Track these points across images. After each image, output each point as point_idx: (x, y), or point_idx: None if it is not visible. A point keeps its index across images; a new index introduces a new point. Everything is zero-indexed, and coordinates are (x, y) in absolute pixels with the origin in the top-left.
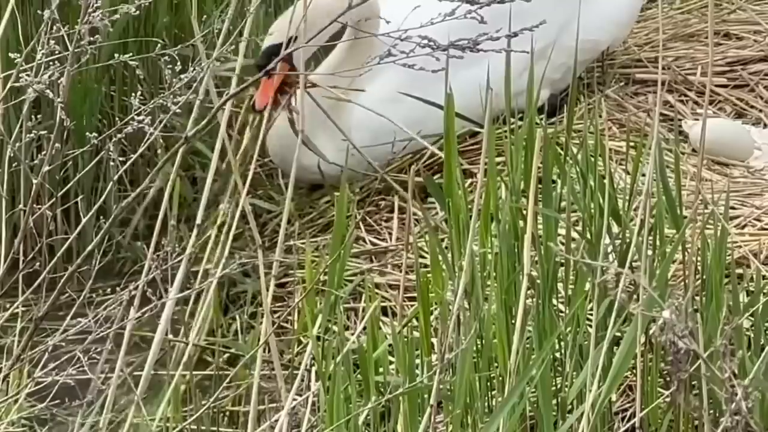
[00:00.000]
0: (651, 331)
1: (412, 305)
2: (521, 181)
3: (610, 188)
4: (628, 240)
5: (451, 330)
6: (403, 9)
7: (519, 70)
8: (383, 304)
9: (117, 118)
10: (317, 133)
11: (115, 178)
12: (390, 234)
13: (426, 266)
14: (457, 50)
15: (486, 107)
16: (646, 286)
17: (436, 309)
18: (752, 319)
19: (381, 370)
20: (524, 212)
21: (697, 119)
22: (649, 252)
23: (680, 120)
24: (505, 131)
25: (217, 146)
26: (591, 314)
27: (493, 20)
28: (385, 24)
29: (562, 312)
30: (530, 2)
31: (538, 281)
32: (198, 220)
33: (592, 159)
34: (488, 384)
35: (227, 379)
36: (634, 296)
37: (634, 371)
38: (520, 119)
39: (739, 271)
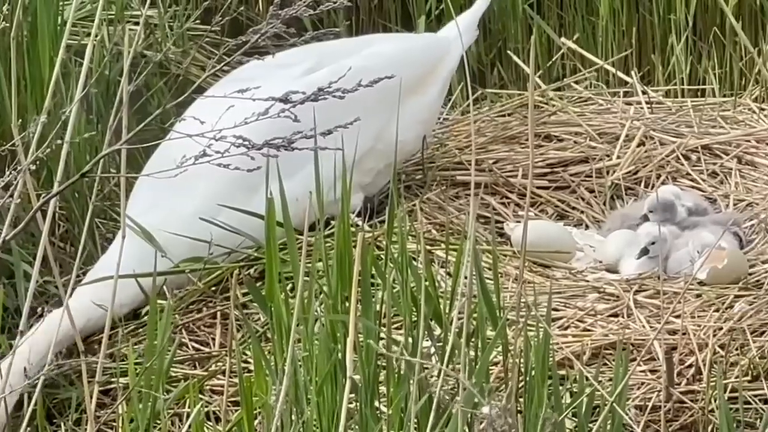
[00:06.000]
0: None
1: (236, 410)
2: (338, 284)
3: (431, 291)
4: (450, 342)
5: None
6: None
7: (332, 180)
8: (207, 408)
9: None
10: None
11: None
12: (213, 339)
13: (250, 371)
14: (273, 149)
15: (305, 214)
16: (463, 381)
17: (260, 413)
18: (575, 419)
19: None
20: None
21: (519, 221)
22: (472, 353)
23: (502, 222)
24: (324, 236)
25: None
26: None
27: (310, 125)
28: (200, 124)
29: (385, 414)
30: (350, 110)
31: (360, 384)
32: (21, 327)
33: (414, 262)
34: None
35: None
36: (456, 397)
37: None
38: None
39: (562, 372)
